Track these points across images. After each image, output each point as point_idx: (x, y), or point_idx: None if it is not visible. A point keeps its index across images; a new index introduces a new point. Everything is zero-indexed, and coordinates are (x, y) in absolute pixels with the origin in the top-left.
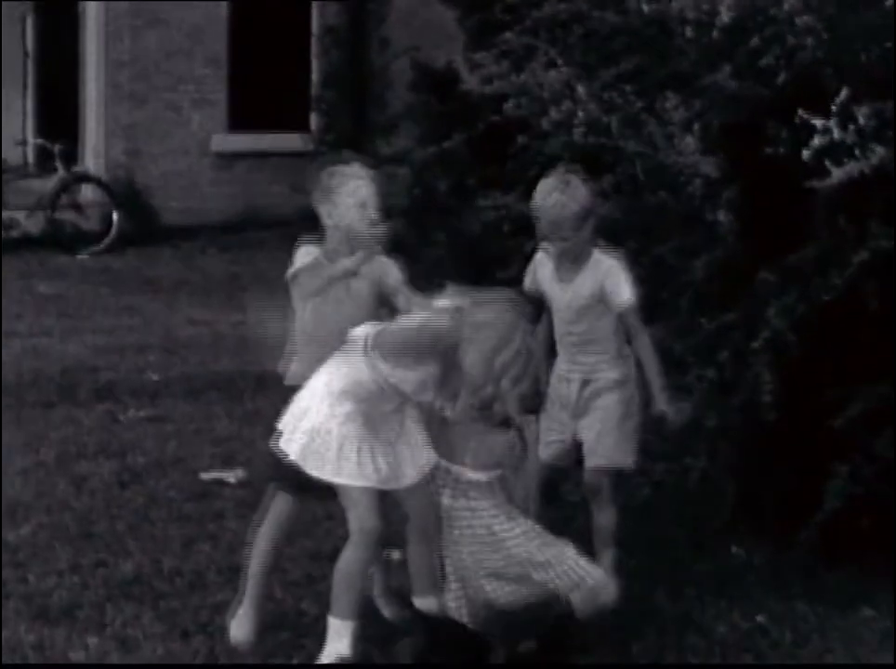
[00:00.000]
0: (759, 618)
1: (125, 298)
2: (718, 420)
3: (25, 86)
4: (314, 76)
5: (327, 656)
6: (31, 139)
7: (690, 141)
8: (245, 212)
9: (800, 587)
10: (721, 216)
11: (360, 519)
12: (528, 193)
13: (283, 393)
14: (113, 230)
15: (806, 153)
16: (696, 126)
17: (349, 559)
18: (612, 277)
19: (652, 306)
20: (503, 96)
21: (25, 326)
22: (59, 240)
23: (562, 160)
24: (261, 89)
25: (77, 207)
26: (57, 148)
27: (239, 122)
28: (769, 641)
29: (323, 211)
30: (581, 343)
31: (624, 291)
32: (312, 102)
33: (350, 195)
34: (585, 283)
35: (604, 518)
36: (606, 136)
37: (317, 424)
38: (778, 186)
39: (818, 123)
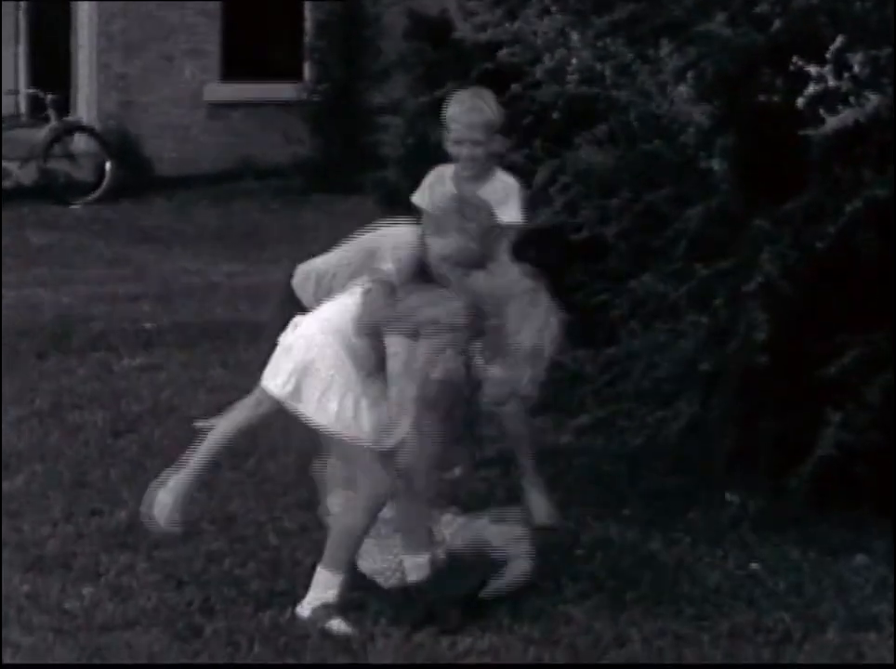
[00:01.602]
0: (753, 566)
1: (118, 248)
2: (711, 366)
3: (17, 36)
4: (307, 25)
5: (310, 603)
6: (23, 89)
7: (683, 89)
8: (238, 161)
9: (794, 535)
10: (715, 164)
11: (374, 486)
12: (522, 142)
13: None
14: (106, 180)
15: (800, 101)
16: (690, 74)
17: (355, 522)
18: (506, 195)
19: (645, 253)
20: (496, 44)
21: (18, 276)
22: (52, 190)
23: (556, 109)
24: (254, 38)
25: (70, 157)
26: (49, 97)
27: (232, 71)
28: (763, 589)
29: None
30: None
31: (512, 210)
32: (305, 51)
33: None
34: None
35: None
36: (600, 84)
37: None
38: (772, 134)
39: (813, 70)
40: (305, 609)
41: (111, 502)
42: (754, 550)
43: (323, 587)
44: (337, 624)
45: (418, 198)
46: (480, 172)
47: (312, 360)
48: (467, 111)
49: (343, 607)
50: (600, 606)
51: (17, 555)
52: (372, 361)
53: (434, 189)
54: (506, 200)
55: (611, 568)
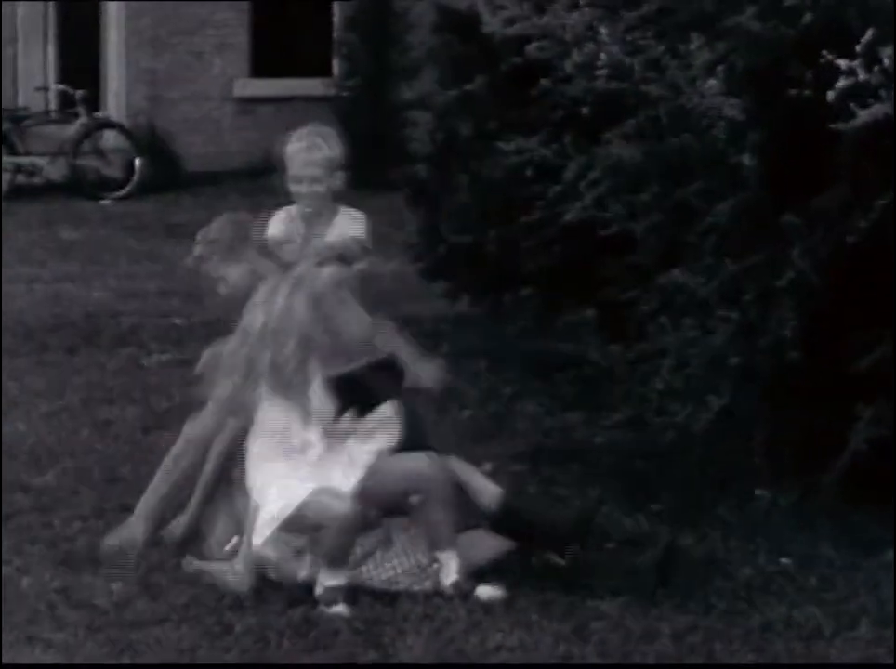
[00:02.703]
0: (784, 561)
1: (148, 244)
2: (742, 361)
3: (46, 32)
4: (336, 20)
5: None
6: (52, 85)
7: (713, 84)
8: (267, 157)
9: (825, 530)
10: (745, 159)
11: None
12: (551, 137)
13: None
14: (135, 176)
15: (830, 95)
16: (720, 69)
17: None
18: (351, 234)
19: (675, 248)
20: (525, 38)
21: (48, 272)
22: (82, 186)
23: (585, 103)
24: (283, 34)
25: (99, 153)
26: (78, 94)
27: (261, 67)
28: (794, 584)
29: None
30: None
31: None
32: (334, 47)
33: None
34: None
35: None
36: (629, 79)
37: None
38: (802, 128)
39: (843, 64)
40: (317, 588)
41: (141, 497)
42: (784, 545)
43: (328, 577)
44: (343, 608)
45: (269, 233)
46: (324, 209)
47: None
48: (305, 149)
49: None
50: (631, 601)
51: (48, 550)
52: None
53: (281, 228)
54: (350, 242)
55: (641, 563)
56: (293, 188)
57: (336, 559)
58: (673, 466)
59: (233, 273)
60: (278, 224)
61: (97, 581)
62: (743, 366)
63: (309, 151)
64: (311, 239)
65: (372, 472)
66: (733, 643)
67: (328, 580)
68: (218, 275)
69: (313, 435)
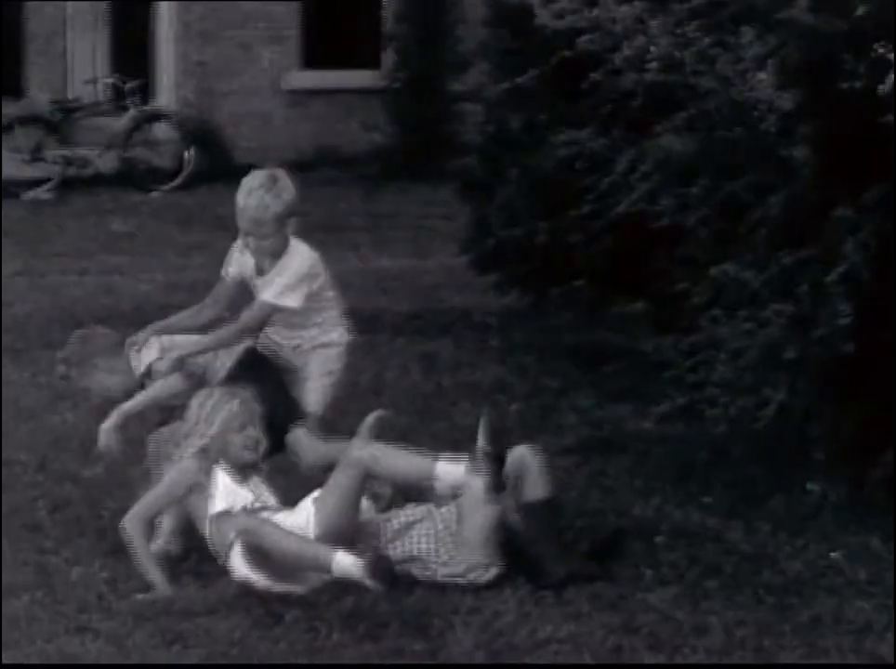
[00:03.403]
0: (834, 555)
1: (197, 235)
2: (795, 354)
3: (97, 24)
4: (386, 12)
5: None
6: (103, 78)
7: (764, 76)
8: (317, 149)
9: (876, 524)
10: (796, 151)
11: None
12: (601, 130)
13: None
14: (185, 168)
15: (882, 88)
16: (771, 61)
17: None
18: (283, 275)
19: (726, 240)
20: (576, 31)
21: (97, 264)
22: (132, 177)
23: (635, 96)
24: (333, 26)
25: (149, 145)
26: (129, 86)
27: (311, 59)
28: (844, 578)
29: None
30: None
31: (277, 290)
32: (384, 39)
33: None
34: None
35: None
36: (679, 71)
37: None
38: (854, 121)
39: (894, 57)
40: None
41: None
42: (835, 539)
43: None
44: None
45: (224, 270)
46: (276, 249)
47: None
48: (255, 208)
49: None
50: (681, 594)
51: (97, 541)
52: None
53: (238, 262)
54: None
55: (691, 556)
56: (242, 238)
57: None
58: (724, 459)
59: (100, 382)
60: (231, 258)
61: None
62: (797, 359)
63: (257, 210)
64: (254, 278)
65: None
66: (783, 637)
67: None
68: (83, 386)
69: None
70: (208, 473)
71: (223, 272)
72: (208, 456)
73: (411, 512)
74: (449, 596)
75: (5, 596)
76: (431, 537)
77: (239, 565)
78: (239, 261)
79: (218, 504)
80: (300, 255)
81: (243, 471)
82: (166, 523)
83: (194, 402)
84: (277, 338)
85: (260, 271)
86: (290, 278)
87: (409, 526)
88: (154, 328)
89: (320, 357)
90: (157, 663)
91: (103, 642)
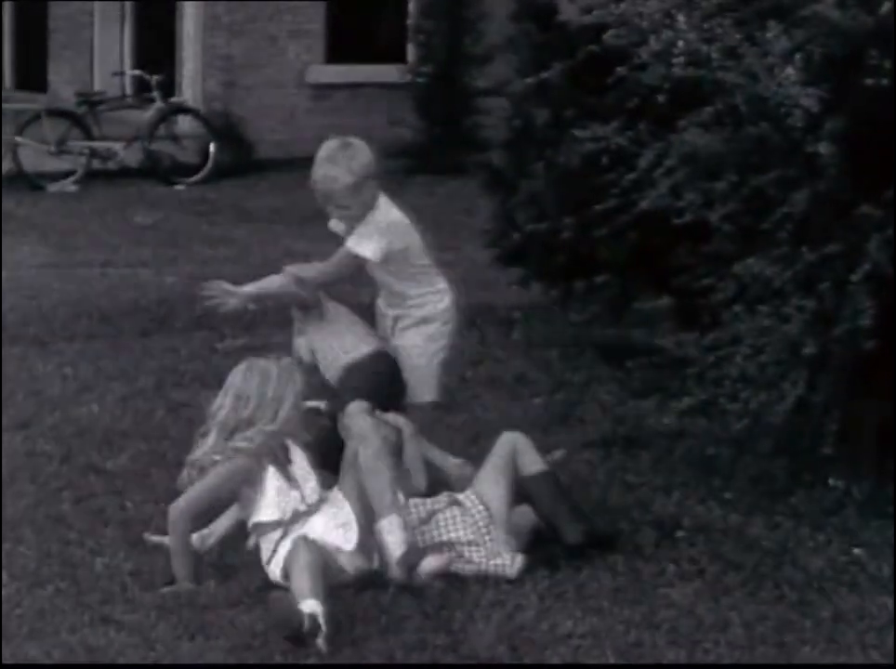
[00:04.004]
0: (856, 550)
1: (222, 229)
2: (817, 350)
3: (123, 18)
4: (411, 7)
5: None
6: (128, 71)
7: (791, 72)
8: None
9: None
10: (822, 147)
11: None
12: (627, 125)
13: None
14: (210, 162)
15: None
16: (798, 57)
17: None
18: (371, 227)
19: (751, 236)
20: (602, 26)
21: (122, 257)
22: (156, 171)
23: (661, 91)
24: (358, 20)
25: (174, 138)
26: (154, 79)
27: (335, 53)
28: (866, 574)
29: None
30: (389, 285)
31: (361, 241)
32: (409, 33)
33: None
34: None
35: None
36: (706, 66)
37: None
38: (880, 117)
39: None
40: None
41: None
42: (857, 535)
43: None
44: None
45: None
46: (363, 216)
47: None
48: (321, 181)
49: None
50: (702, 589)
51: (121, 532)
52: None
53: (334, 225)
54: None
55: (712, 551)
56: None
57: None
58: (746, 454)
59: None
60: (331, 225)
61: (170, 563)
62: (818, 355)
63: (324, 183)
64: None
65: None
66: (804, 633)
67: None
68: None
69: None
70: (263, 463)
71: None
72: (273, 442)
73: (433, 501)
74: (470, 590)
75: (29, 587)
76: (458, 522)
77: (278, 576)
78: (336, 227)
79: (268, 512)
80: (382, 211)
81: (287, 463)
82: (221, 526)
83: (246, 382)
84: (381, 307)
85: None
86: (368, 227)
87: (433, 513)
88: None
89: (421, 335)
90: (180, 656)
91: (126, 634)
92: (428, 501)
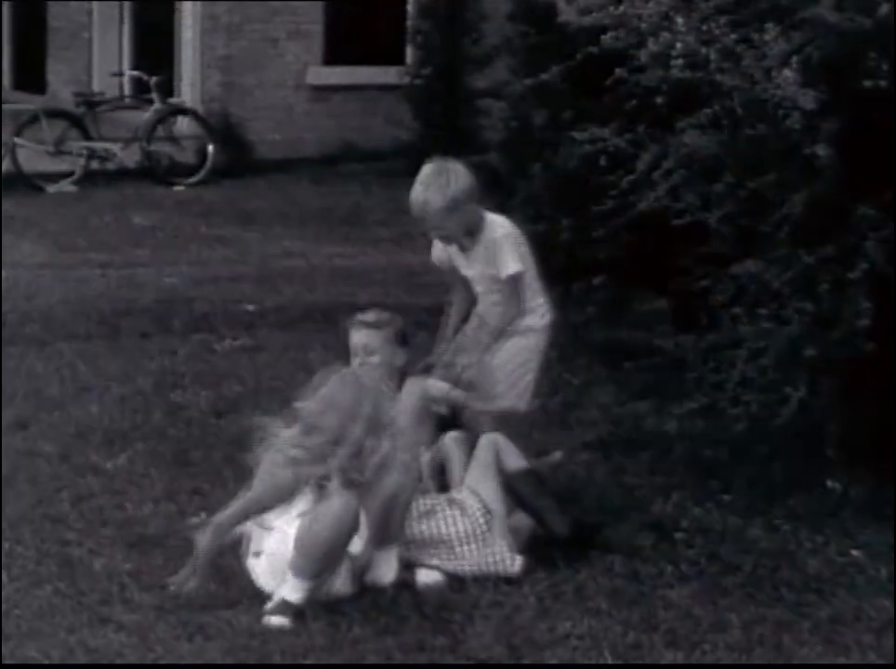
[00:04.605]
0: (855, 552)
1: (220, 230)
2: (816, 352)
3: (121, 18)
4: (410, 9)
5: (277, 595)
6: (126, 71)
7: (789, 74)
8: (340, 145)
9: None
10: (820, 149)
11: (344, 507)
12: (625, 126)
13: None
14: (209, 163)
15: None
16: (795, 59)
17: (321, 534)
18: (499, 250)
19: (749, 238)
20: (601, 27)
21: (121, 257)
22: (155, 172)
23: (660, 93)
24: (357, 21)
25: (173, 139)
26: (153, 80)
27: (335, 54)
28: (864, 576)
29: None
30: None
31: (507, 263)
32: (408, 35)
33: None
34: (480, 255)
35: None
36: (704, 68)
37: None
38: (878, 119)
39: None
40: (270, 603)
41: (212, 481)
42: (855, 537)
43: (289, 587)
44: (278, 621)
45: (434, 258)
46: (467, 232)
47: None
48: (413, 203)
49: (299, 610)
50: (700, 591)
51: (119, 533)
52: None
53: (444, 247)
54: (501, 259)
55: (711, 553)
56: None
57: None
58: (744, 456)
59: None
60: (434, 252)
61: (168, 563)
62: (817, 357)
63: (416, 206)
64: (458, 257)
65: None
66: (802, 634)
67: (290, 594)
68: None
69: None
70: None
71: (434, 260)
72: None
73: (433, 499)
74: (469, 591)
75: (28, 587)
76: (458, 521)
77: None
78: (438, 245)
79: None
80: (496, 227)
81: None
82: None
83: (343, 392)
84: (482, 312)
85: (462, 248)
86: (506, 245)
87: (432, 510)
88: (444, 361)
89: (515, 345)
90: (179, 656)
91: (125, 634)
92: (429, 499)
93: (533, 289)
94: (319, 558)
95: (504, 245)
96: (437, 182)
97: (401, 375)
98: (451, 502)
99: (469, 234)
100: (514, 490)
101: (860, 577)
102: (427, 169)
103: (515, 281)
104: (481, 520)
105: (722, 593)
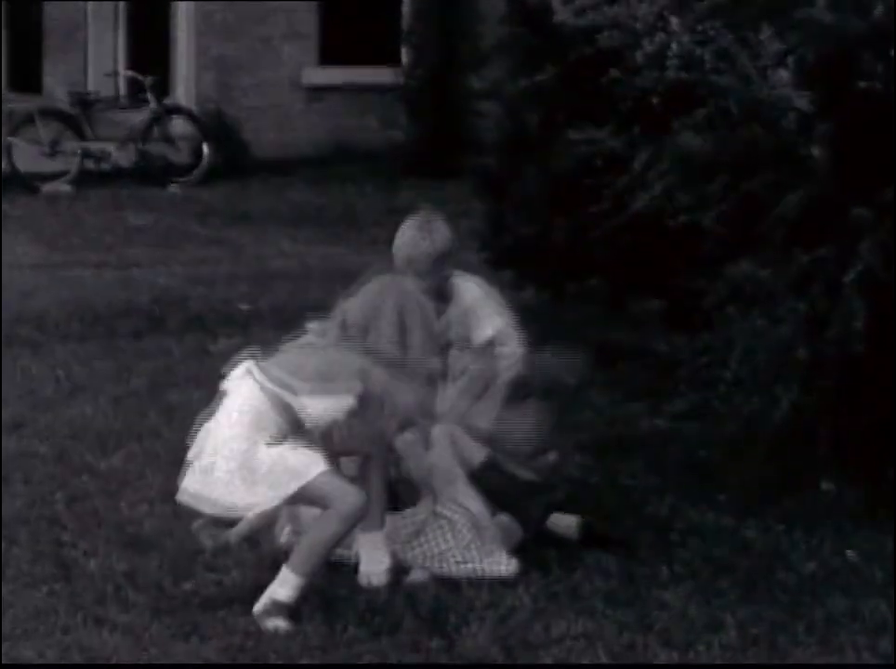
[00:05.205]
0: (849, 554)
1: (215, 230)
2: (810, 354)
3: (116, 18)
4: (405, 9)
5: (264, 597)
6: (121, 71)
7: (783, 75)
8: (335, 145)
9: (891, 524)
10: (815, 150)
11: (345, 500)
12: (620, 127)
13: None
14: (204, 163)
15: None
16: (790, 60)
17: (330, 531)
18: (472, 314)
19: (743, 239)
20: (596, 28)
21: (116, 257)
22: (150, 172)
23: (655, 93)
24: (352, 22)
25: (168, 140)
26: (148, 80)
27: (330, 55)
28: (858, 577)
29: None
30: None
31: (483, 328)
32: (403, 36)
33: None
34: (451, 315)
35: None
36: (699, 69)
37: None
38: (873, 120)
39: None
40: (258, 604)
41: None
42: (850, 538)
43: (280, 584)
44: (273, 623)
45: None
46: (439, 291)
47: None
48: (404, 244)
49: (293, 610)
50: (695, 592)
51: (114, 533)
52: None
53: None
54: (469, 319)
55: (705, 554)
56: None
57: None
58: (738, 457)
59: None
60: None
61: (163, 563)
62: (810, 358)
63: (408, 248)
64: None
65: None
66: (797, 635)
67: (284, 593)
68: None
69: None
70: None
71: None
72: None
73: (413, 513)
74: (464, 592)
75: (23, 587)
76: (448, 534)
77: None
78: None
79: None
80: (469, 288)
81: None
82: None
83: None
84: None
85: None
86: (483, 309)
87: (422, 529)
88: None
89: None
90: (174, 656)
91: (121, 634)
92: (408, 515)
93: (508, 334)
94: (321, 556)
95: (477, 309)
96: (428, 227)
97: None
98: (438, 516)
99: (441, 297)
100: (482, 485)
101: (854, 578)
102: (414, 218)
103: (516, 356)
104: (469, 536)
105: (717, 593)
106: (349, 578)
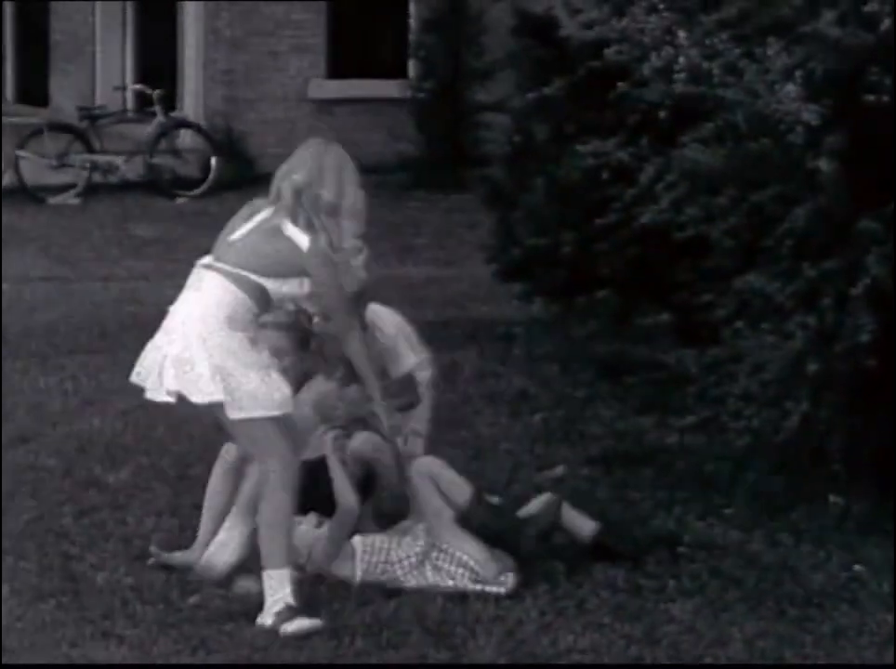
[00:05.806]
0: (857, 567)
1: None
2: (818, 367)
3: (124, 32)
4: (412, 22)
5: (271, 607)
6: (129, 85)
7: (791, 88)
8: None
9: None
10: (823, 163)
11: (281, 456)
12: (628, 140)
13: None
14: (211, 176)
15: None
16: (798, 74)
17: (274, 506)
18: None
19: (751, 252)
20: (603, 42)
21: (123, 270)
22: (158, 185)
23: (662, 107)
24: (359, 35)
25: (175, 153)
26: (155, 93)
27: (337, 68)
28: (867, 591)
29: None
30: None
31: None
32: (410, 49)
33: None
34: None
35: None
36: (707, 83)
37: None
38: (880, 133)
39: None
40: (267, 617)
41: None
42: (858, 551)
43: (277, 588)
44: (299, 623)
45: None
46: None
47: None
48: None
49: (301, 607)
50: (702, 605)
51: (122, 547)
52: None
53: None
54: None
55: (713, 567)
56: None
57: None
58: (746, 470)
59: None
60: None
61: (171, 577)
62: (819, 372)
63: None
64: None
65: None
66: (805, 649)
67: (289, 596)
68: None
69: None
70: None
71: None
72: None
73: (414, 549)
74: (471, 606)
75: (31, 601)
76: (446, 577)
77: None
78: None
79: None
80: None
81: None
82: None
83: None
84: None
85: None
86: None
87: (421, 563)
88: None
89: None
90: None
91: (127, 648)
92: (412, 549)
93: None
94: (282, 535)
95: (398, 343)
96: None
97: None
98: (436, 549)
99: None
100: (471, 525)
101: (862, 591)
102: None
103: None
104: (468, 578)
105: (724, 607)
106: (354, 592)
